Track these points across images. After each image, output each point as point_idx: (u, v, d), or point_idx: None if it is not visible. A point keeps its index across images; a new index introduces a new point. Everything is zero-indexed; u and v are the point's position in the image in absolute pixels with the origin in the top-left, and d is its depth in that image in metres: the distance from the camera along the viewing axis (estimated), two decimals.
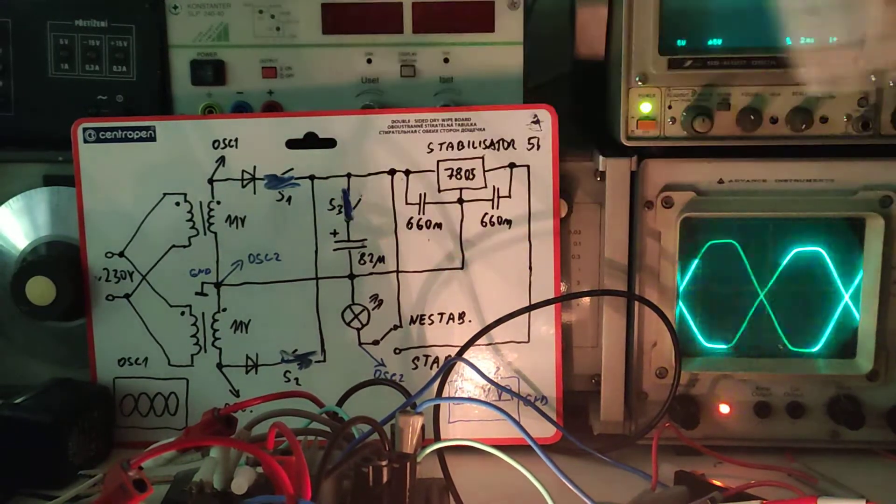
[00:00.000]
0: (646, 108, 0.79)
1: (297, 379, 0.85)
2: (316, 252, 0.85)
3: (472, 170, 0.84)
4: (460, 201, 0.84)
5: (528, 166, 0.83)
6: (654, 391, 0.83)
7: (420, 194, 0.84)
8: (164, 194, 0.85)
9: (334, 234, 0.85)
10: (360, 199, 0.84)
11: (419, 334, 0.85)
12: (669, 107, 0.79)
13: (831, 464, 0.80)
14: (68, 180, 0.86)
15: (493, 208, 0.84)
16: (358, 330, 0.85)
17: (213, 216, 0.84)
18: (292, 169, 0.84)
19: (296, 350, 0.85)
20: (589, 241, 0.86)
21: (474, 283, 0.84)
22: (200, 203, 0.84)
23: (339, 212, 0.84)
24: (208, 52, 0.89)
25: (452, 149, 0.84)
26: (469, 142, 0.84)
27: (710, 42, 0.79)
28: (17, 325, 0.90)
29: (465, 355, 0.81)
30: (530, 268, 0.84)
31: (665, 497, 0.71)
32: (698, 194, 0.80)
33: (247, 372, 0.86)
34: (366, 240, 0.85)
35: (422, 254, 0.85)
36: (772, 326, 0.83)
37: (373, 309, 0.85)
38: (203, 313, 0.85)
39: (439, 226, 0.84)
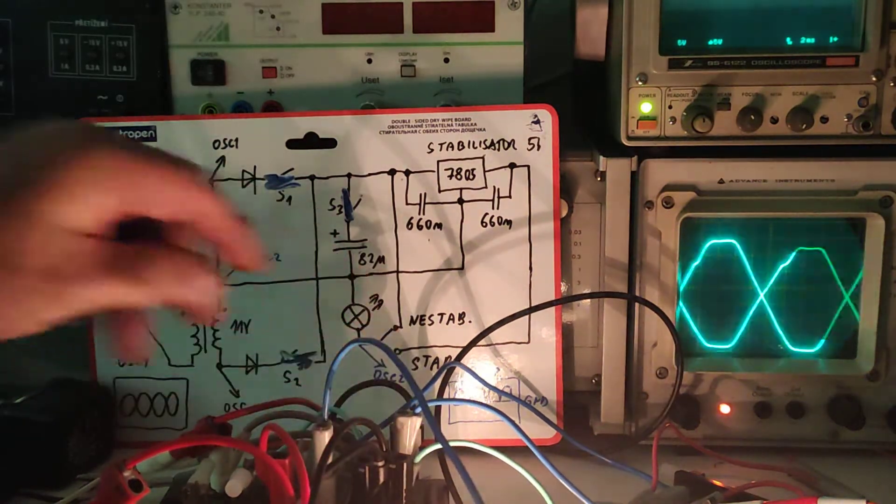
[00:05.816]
0: (646, 107, 0.79)
1: (297, 379, 0.85)
2: (316, 252, 0.85)
3: (473, 170, 0.84)
4: (460, 201, 0.84)
5: (528, 166, 0.83)
6: (655, 391, 0.83)
7: (420, 194, 0.84)
8: None
9: (334, 234, 0.85)
10: (360, 199, 0.84)
11: (419, 335, 0.85)
12: (670, 107, 0.79)
13: (831, 464, 0.80)
14: None
15: (493, 208, 0.84)
16: (358, 330, 0.85)
17: None
18: (292, 169, 0.84)
19: (296, 350, 0.85)
20: (589, 241, 0.86)
21: (475, 283, 0.84)
22: None
23: (340, 212, 0.84)
24: (208, 52, 0.89)
25: (453, 149, 0.84)
26: (469, 142, 0.84)
27: (710, 42, 0.78)
28: None
29: (466, 355, 0.81)
30: (531, 268, 0.84)
31: (665, 497, 0.71)
32: (698, 194, 0.80)
33: (247, 372, 0.86)
34: (366, 240, 0.85)
35: (422, 254, 0.85)
36: (772, 326, 0.83)
37: (373, 309, 0.85)
38: None
39: (439, 226, 0.84)
